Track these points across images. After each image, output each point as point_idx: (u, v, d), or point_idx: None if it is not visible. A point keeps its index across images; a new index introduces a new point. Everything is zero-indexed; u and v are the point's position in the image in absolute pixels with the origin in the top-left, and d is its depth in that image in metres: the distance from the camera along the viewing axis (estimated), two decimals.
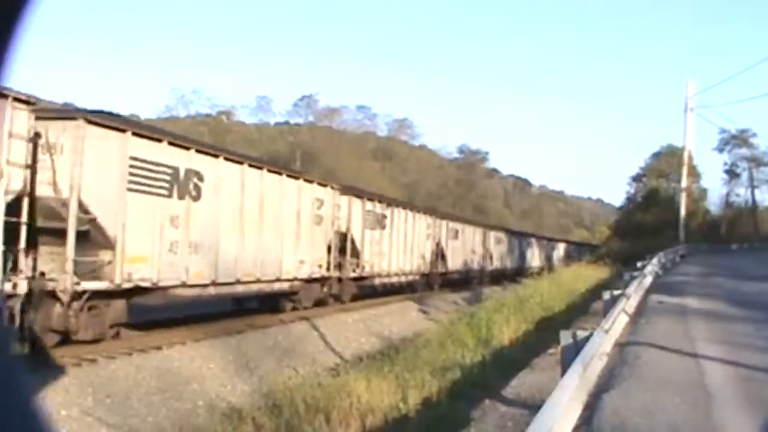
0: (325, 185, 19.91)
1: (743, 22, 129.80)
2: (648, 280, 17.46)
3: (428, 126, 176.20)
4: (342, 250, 20.94)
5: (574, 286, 22.95)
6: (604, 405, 6.39)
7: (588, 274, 27.60)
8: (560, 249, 57.01)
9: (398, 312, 22.64)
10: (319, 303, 19.80)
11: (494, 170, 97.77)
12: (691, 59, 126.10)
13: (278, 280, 17.05)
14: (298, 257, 17.92)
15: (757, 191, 55.16)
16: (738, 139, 53.20)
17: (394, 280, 25.40)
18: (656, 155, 53.26)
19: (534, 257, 47.93)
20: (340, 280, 20.95)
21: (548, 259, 49.21)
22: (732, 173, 54.87)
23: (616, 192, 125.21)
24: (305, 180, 18.66)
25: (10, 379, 1.33)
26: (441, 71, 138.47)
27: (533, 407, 5.91)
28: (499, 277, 35.41)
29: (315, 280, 19.25)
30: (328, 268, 19.81)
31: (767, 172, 54.86)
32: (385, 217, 24.15)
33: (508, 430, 6.53)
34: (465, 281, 32.31)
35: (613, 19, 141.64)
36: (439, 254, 30.01)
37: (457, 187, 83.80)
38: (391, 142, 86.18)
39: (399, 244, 25.37)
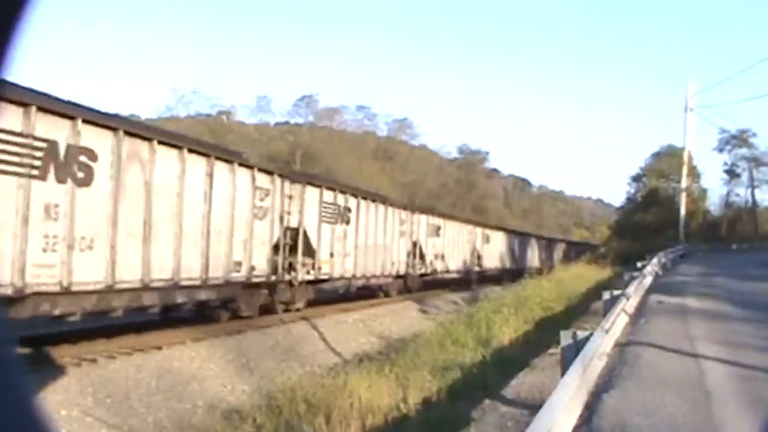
0: (406, 208, 27.15)
1: (743, 22, 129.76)
2: (648, 280, 17.46)
3: (428, 126, 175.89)
4: (413, 254, 27.09)
5: (574, 286, 22.96)
6: (604, 405, 6.39)
7: (588, 275, 27.61)
8: (560, 249, 56.94)
9: (398, 312, 22.65)
10: (399, 292, 26.00)
11: (494, 170, 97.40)
12: (691, 59, 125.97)
13: (382, 275, 24.31)
14: (392, 260, 24.95)
15: (757, 191, 55.05)
16: (738, 139, 53.07)
17: (445, 276, 31.62)
18: (656, 155, 53.17)
19: (534, 257, 47.92)
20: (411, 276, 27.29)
21: (548, 259, 49.19)
22: (732, 173, 54.76)
23: (616, 192, 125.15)
24: (397, 206, 25.89)
25: (10, 379, 1.33)
26: (441, 71, 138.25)
27: (533, 407, 5.91)
28: (505, 277, 36.25)
29: (400, 276, 26.08)
30: (406, 268, 26.55)
31: (767, 172, 54.84)
32: (439, 227, 30.29)
33: (509, 430, 6.53)
34: (496, 278, 36.58)
35: (613, 19, 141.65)
36: (477, 255, 35.93)
37: (457, 187, 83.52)
38: (391, 142, 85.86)
39: (449, 248, 31.50)
